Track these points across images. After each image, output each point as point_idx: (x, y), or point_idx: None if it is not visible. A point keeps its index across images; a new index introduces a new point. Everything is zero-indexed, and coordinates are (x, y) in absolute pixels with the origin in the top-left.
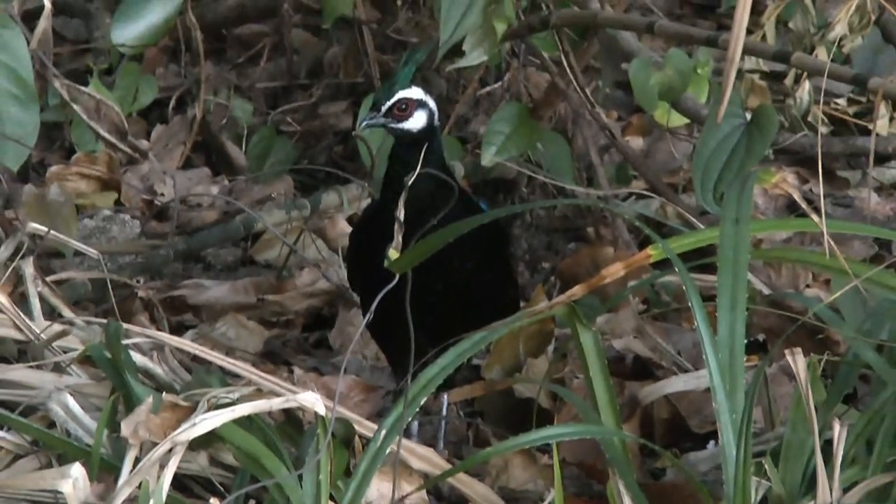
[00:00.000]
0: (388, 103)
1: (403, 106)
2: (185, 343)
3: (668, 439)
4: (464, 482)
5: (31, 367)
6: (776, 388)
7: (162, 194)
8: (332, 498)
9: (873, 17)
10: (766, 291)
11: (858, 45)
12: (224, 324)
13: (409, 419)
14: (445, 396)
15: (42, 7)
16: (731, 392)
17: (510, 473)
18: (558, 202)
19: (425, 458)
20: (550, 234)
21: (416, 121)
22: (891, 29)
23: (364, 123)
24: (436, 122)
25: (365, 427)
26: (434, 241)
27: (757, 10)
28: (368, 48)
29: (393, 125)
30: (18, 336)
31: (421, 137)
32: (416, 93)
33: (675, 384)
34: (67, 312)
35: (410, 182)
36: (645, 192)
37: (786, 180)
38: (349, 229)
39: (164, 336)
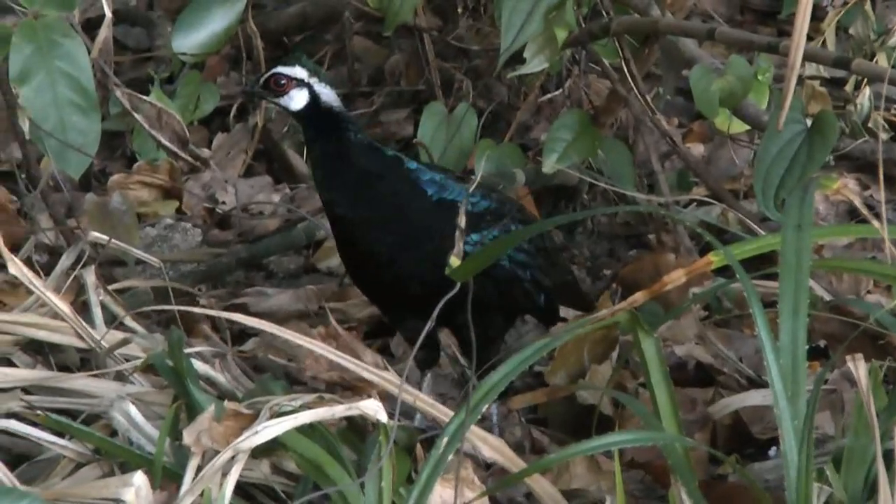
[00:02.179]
0: (265, 76)
1: (282, 81)
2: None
3: (731, 445)
4: (533, 480)
5: (92, 375)
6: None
7: (223, 202)
8: None
9: None
10: (828, 297)
11: None
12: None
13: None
14: (495, 405)
15: (103, 16)
16: (793, 398)
17: (571, 477)
18: (620, 209)
19: (497, 449)
20: (612, 241)
21: (295, 100)
22: None
23: (242, 88)
24: (324, 104)
25: (440, 411)
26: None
27: (817, 17)
28: (429, 56)
29: (270, 98)
30: (80, 344)
31: (304, 116)
32: (297, 72)
33: (747, 399)
34: (129, 321)
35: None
36: (706, 199)
37: (846, 186)
38: None
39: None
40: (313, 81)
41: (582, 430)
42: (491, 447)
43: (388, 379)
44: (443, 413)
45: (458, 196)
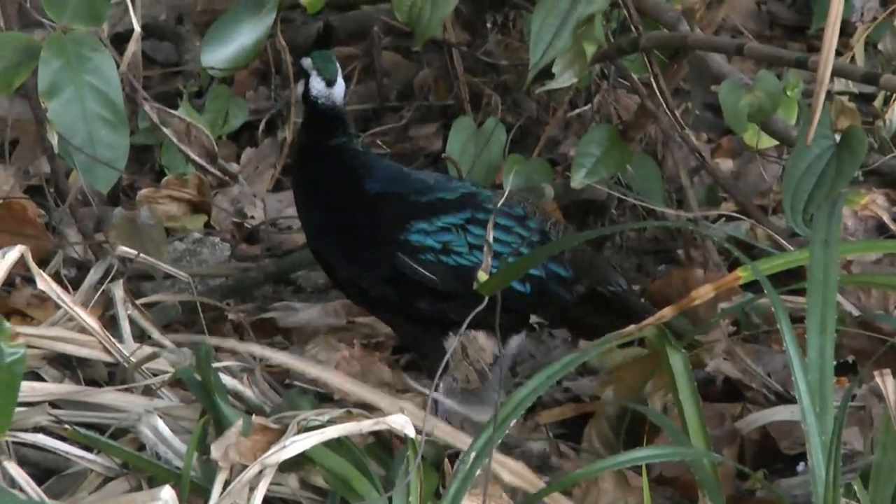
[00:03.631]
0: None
1: (299, 70)
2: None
3: (759, 461)
4: (555, 500)
5: (120, 389)
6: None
7: (252, 217)
8: None
9: None
10: (856, 313)
11: None
12: (314, 346)
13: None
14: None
15: (132, 30)
16: (821, 414)
17: (600, 492)
18: (648, 224)
19: (517, 473)
20: (640, 256)
21: (299, 89)
22: None
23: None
24: (312, 95)
25: (460, 440)
26: (521, 263)
27: (846, 32)
28: (458, 70)
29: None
30: (108, 359)
31: (303, 106)
32: (305, 62)
33: (768, 416)
34: (157, 335)
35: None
36: (735, 214)
37: (875, 202)
38: None
39: (255, 348)
40: (312, 73)
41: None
42: (511, 471)
43: (406, 408)
44: (460, 440)
45: (403, 188)
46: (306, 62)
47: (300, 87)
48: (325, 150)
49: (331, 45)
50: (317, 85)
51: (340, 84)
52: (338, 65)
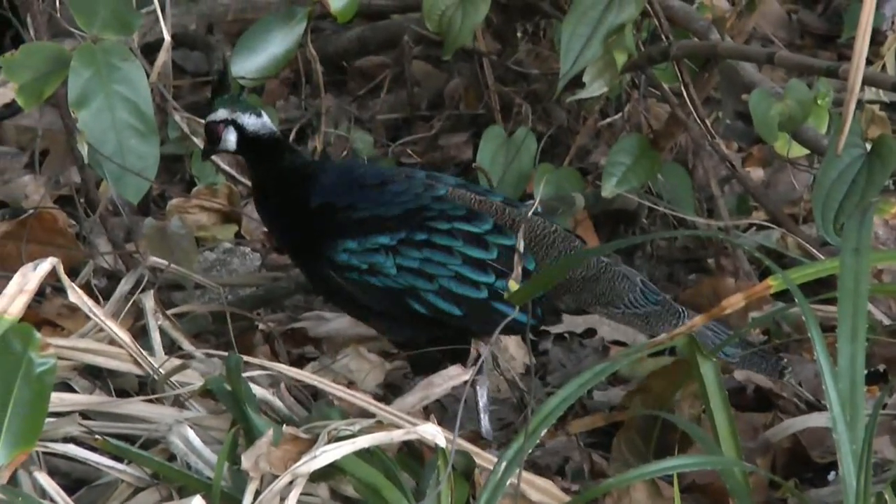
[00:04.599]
0: (205, 132)
1: (213, 129)
2: (304, 374)
3: (790, 470)
4: None
5: (150, 400)
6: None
7: None
8: None
9: None
10: (887, 322)
11: None
12: (345, 356)
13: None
14: (482, 388)
15: (162, 40)
16: (852, 423)
17: (632, 501)
18: (679, 233)
19: (544, 490)
20: (671, 265)
21: (229, 141)
22: None
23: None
24: (251, 132)
25: (484, 459)
26: (551, 273)
27: (876, 41)
28: (489, 80)
29: (218, 149)
30: (138, 371)
31: (241, 152)
32: (219, 114)
33: (800, 423)
34: (188, 345)
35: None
36: (765, 223)
37: None
38: None
39: (283, 367)
40: (235, 116)
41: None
42: (538, 489)
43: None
44: (484, 458)
45: (343, 201)
46: (221, 113)
47: (231, 137)
48: (279, 168)
49: (227, 89)
50: (250, 121)
51: (264, 114)
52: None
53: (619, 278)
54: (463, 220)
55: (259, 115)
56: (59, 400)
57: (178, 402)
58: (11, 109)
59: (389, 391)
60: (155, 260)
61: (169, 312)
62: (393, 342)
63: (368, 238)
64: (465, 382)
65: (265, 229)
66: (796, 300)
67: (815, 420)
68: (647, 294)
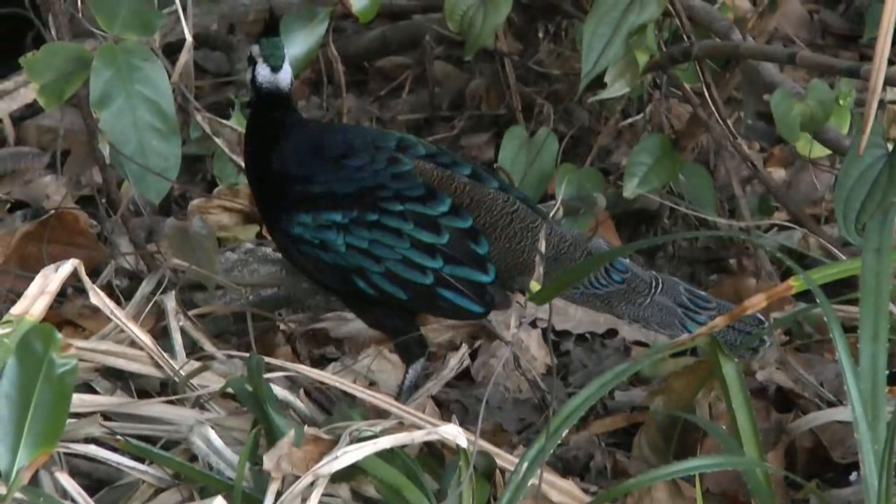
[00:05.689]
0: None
1: (249, 57)
2: (325, 376)
3: (811, 470)
4: None
5: (172, 401)
6: None
7: None
8: None
9: None
10: None
11: None
12: (366, 356)
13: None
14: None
15: (183, 40)
16: (874, 423)
17: (653, 501)
18: (700, 234)
19: (566, 491)
20: (693, 266)
21: (248, 75)
22: None
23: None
24: (258, 81)
25: (505, 460)
26: (573, 272)
27: None
28: (510, 80)
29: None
30: (159, 374)
31: (251, 91)
32: (254, 49)
33: (823, 417)
34: (209, 346)
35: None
36: (787, 224)
37: None
38: None
39: (304, 368)
40: (259, 60)
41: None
42: (559, 490)
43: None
44: (505, 459)
45: (304, 170)
46: (255, 49)
47: (249, 73)
48: (263, 123)
49: (278, 31)
50: (262, 71)
51: (287, 70)
52: (285, 52)
53: (582, 257)
54: (418, 201)
55: (275, 71)
56: (80, 401)
57: (199, 403)
58: (33, 109)
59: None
60: (176, 261)
61: (190, 313)
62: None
63: (321, 214)
64: (488, 381)
65: None
66: (818, 300)
67: (836, 415)
68: (611, 272)
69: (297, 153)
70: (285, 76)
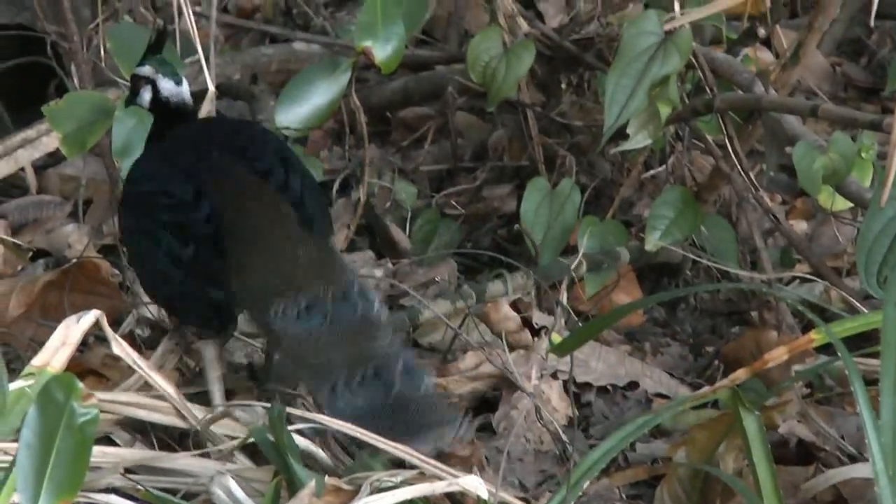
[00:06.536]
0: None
1: (137, 81)
2: (347, 426)
3: None
4: None
5: (194, 454)
6: None
7: None
8: None
9: None
10: None
11: None
12: None
13: None
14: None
15: (206, 89)
16: (895, 476)
17: None
18: (722, 286)
19: None
20: (714, 318)
21: (144, 98)
22: None
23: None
24: (164, 95)
25: None
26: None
27: None
28: (533, 131)
29: (135, 102)
30: (182, 424)
31: (152, 112)
32: (144, 70)
33: (843, 474)
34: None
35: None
36: (809, 276)
37: None
38: (512, 314)
39: (325, 418)
40: (157, 77)
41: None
42: None
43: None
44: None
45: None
46: (146, 69)
47: (146, 95)
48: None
49: (160, 48)
50: (167, 85)
51: (185, 82)
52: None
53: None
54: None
55: (178, 83)
56: (101, 454)
57: (220, 454)
58: (55, 158)
59: None
60: None
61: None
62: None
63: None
64: (509, 433)
65: None
66: (839, 354)
67: (857, 471)
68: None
69: (154, 165)
70: (186, 88)
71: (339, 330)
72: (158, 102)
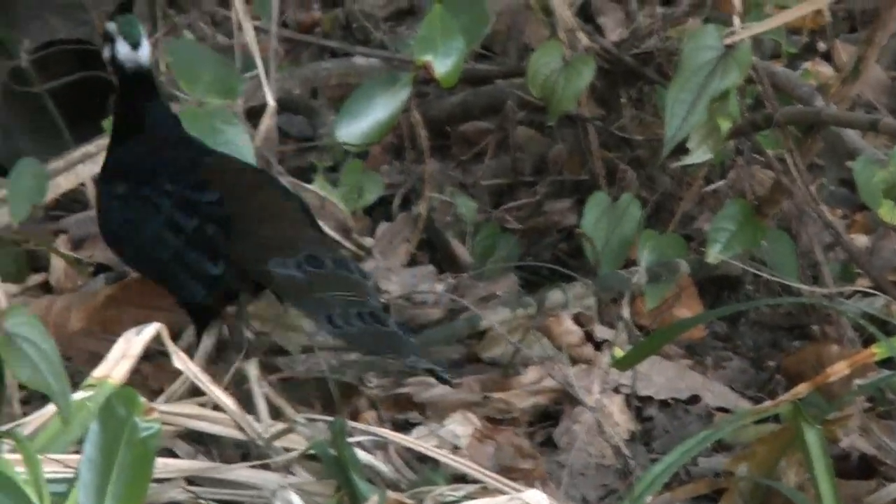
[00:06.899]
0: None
1: (103, 38)
2: (408, 440)
3: None
4: None
5: (254, 466)
6: None
7: (386, 291)
8: None
9: None
10: None
11: None
12: (450, 421)
13: None
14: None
15: (265, 104)
16: None
17: None
18: (783, 300)
19: None
20: (775, 332)
21: (106, 53)
22: None
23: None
24: (119, 59)
25: None
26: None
27: None
28: (592, 145)
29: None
30: (242, 437)
31: (114, 70)
32: (110, 26)
33: None
34: (290, 411)
35: None
36: (869, 290)
37: None
38: (574, 328)
39: (387, 432)
40: (117, 38)
41: None
42: None
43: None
44: None
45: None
46: (111, 27)
47: (107, 52)
48: (122, 113)
49: (131, 9)
50: (122, 49)
51: (146, 47)
52: (142, 28)
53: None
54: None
55: (136, 48)
56: (163, 465)
57: (282, 467)
58: None
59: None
60: (258, 324)
61: (273, 377)
62: None
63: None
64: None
65: None
66: None
67: None
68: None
69: (134, 157)
70: (144, 53)
71: (335, 278)
72: (115, 63)
